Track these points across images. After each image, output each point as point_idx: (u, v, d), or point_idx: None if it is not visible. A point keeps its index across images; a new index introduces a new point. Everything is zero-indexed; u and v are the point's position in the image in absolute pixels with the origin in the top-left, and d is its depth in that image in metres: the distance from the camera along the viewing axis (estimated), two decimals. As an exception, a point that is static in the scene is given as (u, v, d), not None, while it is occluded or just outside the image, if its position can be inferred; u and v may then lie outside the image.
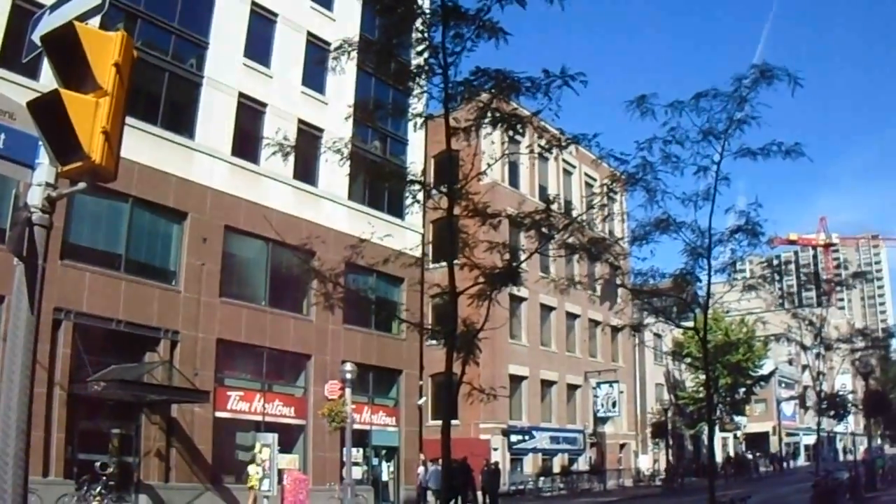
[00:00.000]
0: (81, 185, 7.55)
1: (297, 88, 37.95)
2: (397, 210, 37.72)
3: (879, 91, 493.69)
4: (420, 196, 16.07)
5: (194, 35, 34.06)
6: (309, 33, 38.58)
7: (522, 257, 18.07)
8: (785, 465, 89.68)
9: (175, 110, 33.30)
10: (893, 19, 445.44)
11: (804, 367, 54.44)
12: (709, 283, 22.06)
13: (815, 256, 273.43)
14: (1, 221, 25.20)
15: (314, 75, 37.62)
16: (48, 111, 7.01)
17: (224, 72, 34.64)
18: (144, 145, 29.66)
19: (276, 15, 37.52)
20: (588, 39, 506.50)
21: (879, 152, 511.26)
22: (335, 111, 35.28)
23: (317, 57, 36.38)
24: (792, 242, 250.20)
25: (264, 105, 36.31)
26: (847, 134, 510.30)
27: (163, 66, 32.59)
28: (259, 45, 36.60)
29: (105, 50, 7.20)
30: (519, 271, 16.15)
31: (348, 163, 17.49)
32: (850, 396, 61.80)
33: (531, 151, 17.57)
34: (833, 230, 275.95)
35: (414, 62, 15.77)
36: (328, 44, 33.64)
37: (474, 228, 16.26)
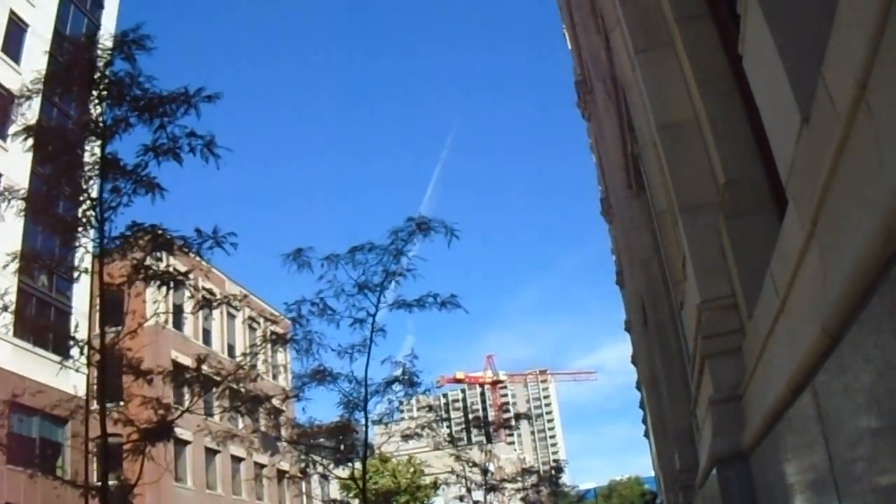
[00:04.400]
0: None
1: (-42, 218, 35.85)
2: (64, 350, 36.08)
3: (546, 235, 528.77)
4: (76, 352, 15.78)
5: None
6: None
7: (174, 411, 17.91)
8: None
9: None
10: (554, 175, 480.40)
11: (475, 504, 55.89)
12: (366, 436, 22.47)
13: (482, 394, 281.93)
14: None
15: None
16: None
17: None
18: None
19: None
20: (271, 201, 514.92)
21: (545, 291, 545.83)
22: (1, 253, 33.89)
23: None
24: (459, 381, 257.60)
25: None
26: (518, 276, 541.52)
27: None
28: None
29: None
30: (172, 426, 16.04)
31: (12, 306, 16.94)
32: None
33: (182, 311, 17.74)
34: (503, 368, 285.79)
35: (71, 214, 15.65)
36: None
37: (129, 383, 16.07)
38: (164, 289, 15.83)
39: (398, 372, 22.09)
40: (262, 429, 27.21)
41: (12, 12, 40.54)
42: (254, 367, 21.49)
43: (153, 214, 14.97)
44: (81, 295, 38.42)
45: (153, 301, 16.69)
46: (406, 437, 25.33)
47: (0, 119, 35.18)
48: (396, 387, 22.11)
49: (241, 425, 39.04)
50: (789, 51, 4.25)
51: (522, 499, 55.07)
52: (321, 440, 24.06)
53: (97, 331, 16.00)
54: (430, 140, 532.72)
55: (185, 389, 18.15)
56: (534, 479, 56.30)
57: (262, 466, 55.28)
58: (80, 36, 39.00)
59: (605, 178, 30.79)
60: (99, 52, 16.40)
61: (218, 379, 17.83)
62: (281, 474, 47.10)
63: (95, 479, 18.67)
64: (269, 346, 21.00)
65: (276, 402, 21.57)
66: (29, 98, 17.62)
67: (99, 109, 15.35)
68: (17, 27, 40.98)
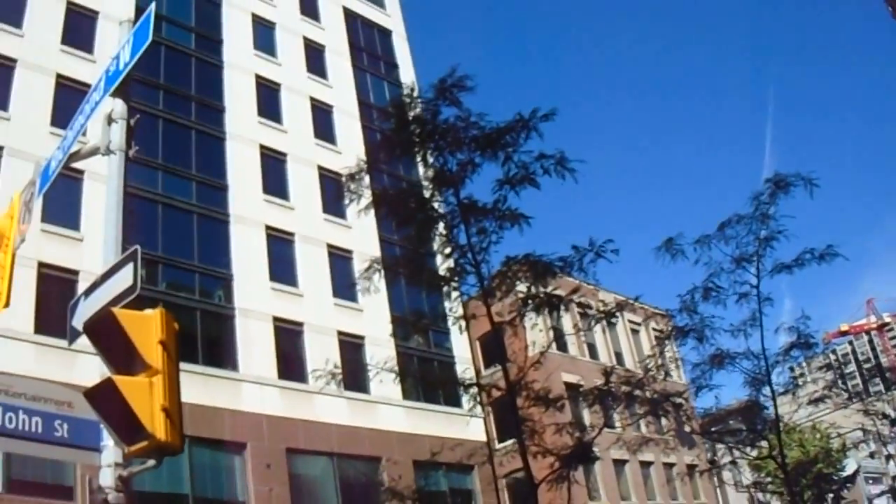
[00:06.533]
0: (151, 462, 7.43)
1: (329, 301, 37.90)
2: (454, 399, 37.00)
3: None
4: (479, 397, 16.00)
5: (218, 269, 34.54)
6: (329, 245, 39.02)
7: (590, 431, 17.86)
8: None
9: (214, 345, 33.36)
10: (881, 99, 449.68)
11: (888, 458, 52.49)
12: (775, 408, 21.73)
13: (870, 341, 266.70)
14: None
15: (343, 286, 37.30)
16: (105, 397, 7.00)
17: (253, 299, 34.79)
18: (191, 385, 28.89)
19: (292, 234, 38.04)
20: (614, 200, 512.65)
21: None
22: (371, 315, 35.88)
23: (346, 282, 36.25)
24: (844, 333, 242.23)
25: (300, 324, 36.15)
26: (876, 212, 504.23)
27: (193, 305, 32.92)
28: (283, 267, 36.89)
29: (147, 329, 7.22)
30: (591, 447, 15.96)
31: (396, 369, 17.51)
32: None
33: (577, 331, 17.61)
34: (885, 309, 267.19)
35: (443, 266, 15.88)
36: (349, 252, 36.98)
37: (538, 415, 16.10)
38: (551, 314, 15.88)
39: (793, 337, 21.44)
40: (674, 427, 26.85)
41: (313, 99, 43.02)
42: (661, 366, 21.26)
43: (519, 244, 15.30)
44: (460, 342, 39.68)
45: (532, 328, 16.73)
46: (815, 402, 24.44)
47: (334, 199, 37.06)
48: (795, 352, 21.65)
49: (643, 429, 38.52)
50: None
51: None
52: (731, 423, 23.65)
53: (484, 372, 16.28)
54: (751, 98, 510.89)
55: (588, 408, 18.10)
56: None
57: (672, 466, 54.70)
58: (385, 101, 40.93)
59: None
60: (421, 106, 16.79)
61: (627, 388, 17.70)
62: (690, 469, 46.34)
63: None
64: (671, 342, 20.69)
65: (684, 397, 21.35)
66: (366, 172, 18.25)
67: (441, 160, 15.66)
68: (322, 112, 43.36)
